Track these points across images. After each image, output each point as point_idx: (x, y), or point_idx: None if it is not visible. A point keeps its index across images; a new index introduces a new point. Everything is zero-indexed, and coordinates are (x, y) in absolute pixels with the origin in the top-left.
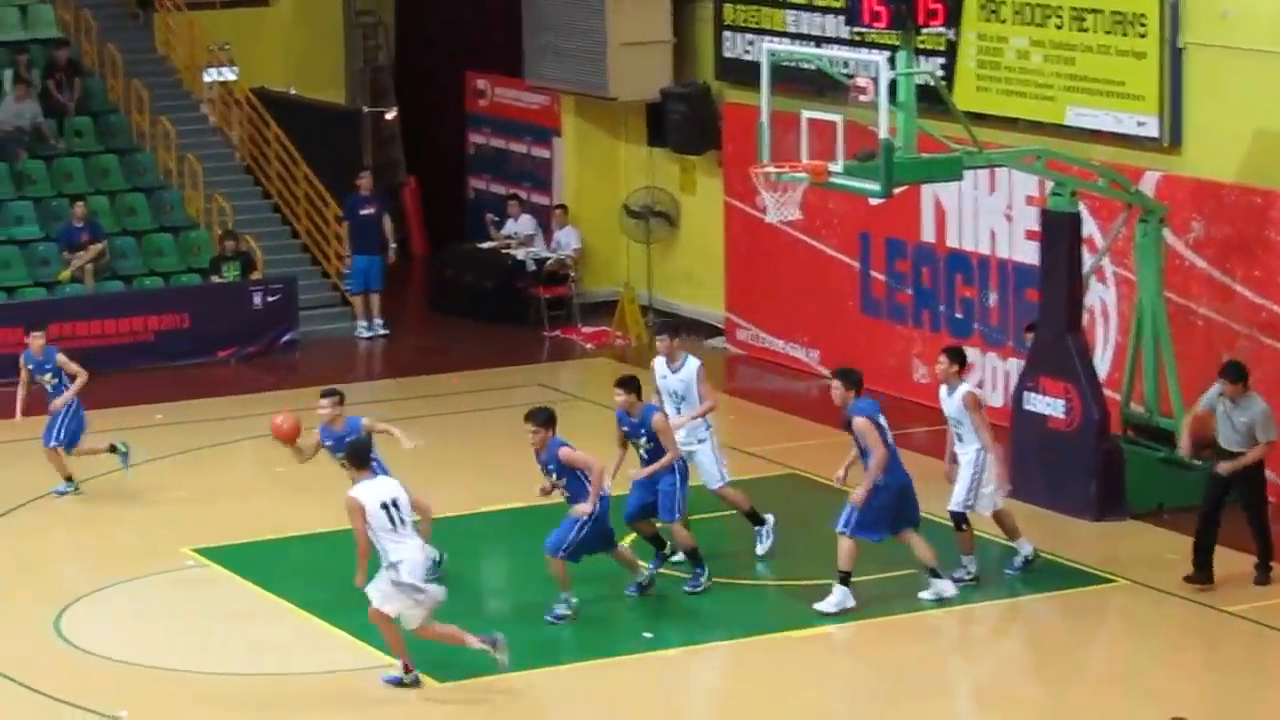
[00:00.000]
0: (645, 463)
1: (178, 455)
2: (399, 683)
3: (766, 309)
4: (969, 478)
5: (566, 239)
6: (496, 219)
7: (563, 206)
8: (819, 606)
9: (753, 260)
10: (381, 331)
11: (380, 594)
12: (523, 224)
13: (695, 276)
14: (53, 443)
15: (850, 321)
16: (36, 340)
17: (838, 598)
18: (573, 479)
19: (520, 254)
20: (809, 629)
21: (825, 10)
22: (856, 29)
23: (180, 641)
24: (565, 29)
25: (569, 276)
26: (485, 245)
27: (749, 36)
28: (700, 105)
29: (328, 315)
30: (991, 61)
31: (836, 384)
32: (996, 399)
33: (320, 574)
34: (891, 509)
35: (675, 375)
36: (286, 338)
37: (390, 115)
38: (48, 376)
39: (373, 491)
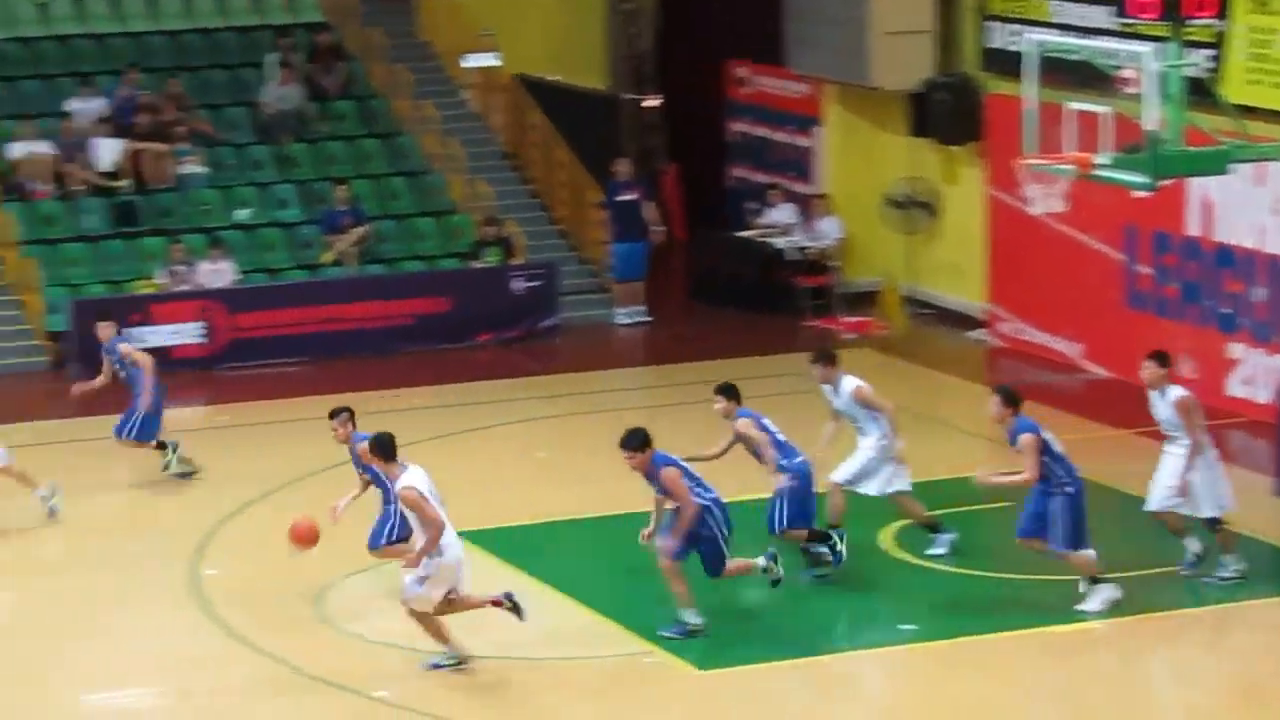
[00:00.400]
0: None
1: (436, 439)
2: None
3: (1029, 301)
4: (1209, 480)
5: (827, 228)
6: (756, 207)
7: (824, 195)
8: (1083, 608)
9: (1015, 252)
10: (643, 319)
11: (413, 580)
12: (783, 213)
13: (956, 267)
14: (154, 438)
15: (1114, 315)
16: (104, 330)
17: (1102, 596)
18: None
19: (780, 243)
20: (1070, 625)
21: (1091, 1)
22: (1124, 20)
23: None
24: (827, 18)
25: (830, 266)
26: (745, 234)
27: (1013, 27)
28: (964, 95)
29: (586, 301)
30: (1261, 54)
31: (996, 400)
32: (1264, 394)
33: (581, 559)
34: (1084, 516)
35: (837, 398)
36: (546, 323)
37: (651, 102)
38: (117, 367)
39: (421, 480)
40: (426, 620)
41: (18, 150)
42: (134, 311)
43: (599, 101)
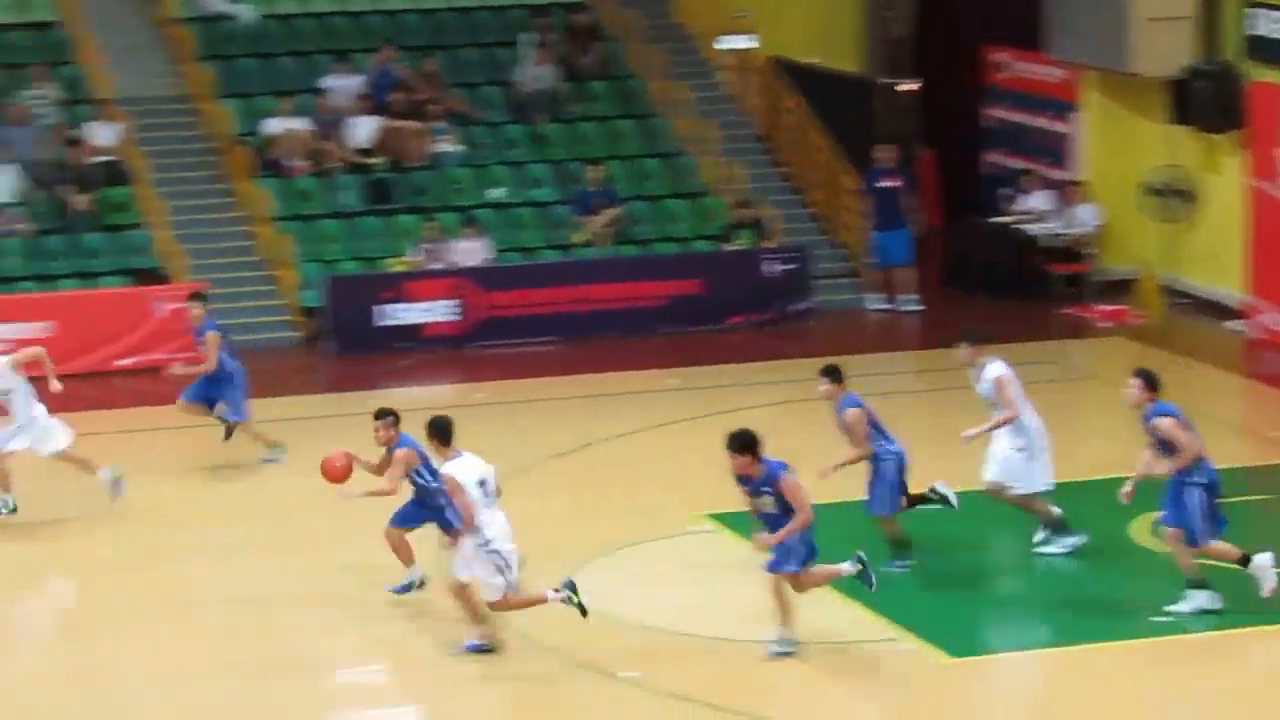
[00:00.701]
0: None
1: (687, 420)
2: (480, 650)
3: None
4: None
5: (1084, 215)
6: (1012, 193)
7: (1081, 182)
8: (1263, 595)
9: (1276, 242)
10: (912, 308)
11: (462, 561)
12: (1038, 199)
13: (1215, 257)
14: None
15: None
16: (195, 310)
17: (1264, 575)
18: (783, 502)
19: (1035, 229)
20: None
21: None
22: None
23: (690, 605)
24: (1088, 3)
25: (1086, 253)
26: (1000, 220)
27: (1277, 14)
28: (1225, 83)
29: (838, 286)
30: None
31: (1137, 382)
32: None
33: (831, 544)
34: (1210, 505)
35: (980, 382)
36: (798, 307)
37: (907, 87)
38: (203, 349)
39: (467, 470)
40: (467, 600)
41: (275, 126)
42: (387, 288)
43: (854, 85)
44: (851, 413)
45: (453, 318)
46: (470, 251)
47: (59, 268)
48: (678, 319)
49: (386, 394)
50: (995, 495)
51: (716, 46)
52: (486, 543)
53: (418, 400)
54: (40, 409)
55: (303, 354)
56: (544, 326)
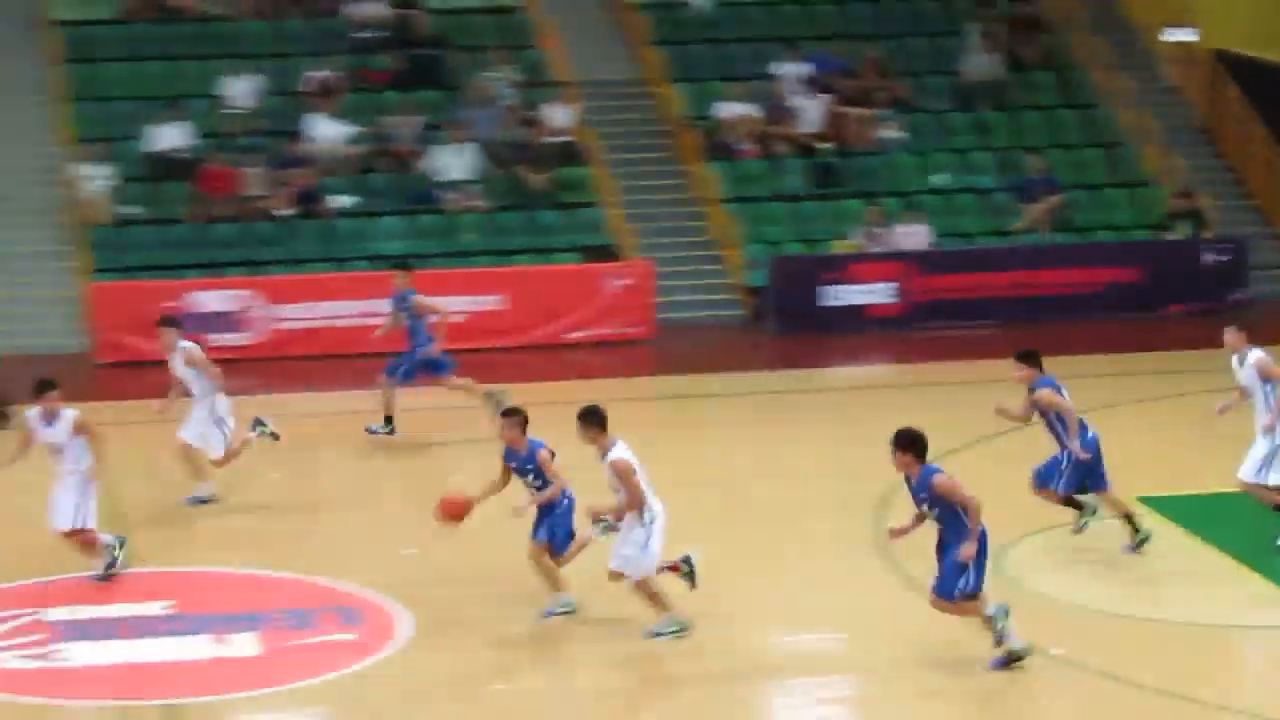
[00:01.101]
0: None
1: (1118, 406)
2: (666, 634)
3: None
4: None
5: None
6: None
7: None
8: None
9: None
10: None
11: (625, 559)
12: None
13: None
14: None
15: None
16: (399, 279)
17: None
18: (945, 509)
19: None
20: None
21: None
22: None
23: (1119, 586)
24: None
25: None
26: None
27: None
28: None
29: (1278, 277)
30: None
31: None
32: None
33: (1254, 529)
34: None
35: (1240, 369)
36: (1239, 297)
37: None
38: (403, 316)
39: (629, 453)
40: (648, 589)
41: (725, 110)
42: (831, 270)
43: None
44: (1042, 393)
45: (893, 300)
46: (911, 236)
47: (515, 243)
48: (1114, 306)
49: (825, 373)
50: (1249, 491)
51: (1160, 38)
52: (652, 521)
53: (857, 379)
54: (221, 403)
55: (746, 332)
56: (982, 310)
